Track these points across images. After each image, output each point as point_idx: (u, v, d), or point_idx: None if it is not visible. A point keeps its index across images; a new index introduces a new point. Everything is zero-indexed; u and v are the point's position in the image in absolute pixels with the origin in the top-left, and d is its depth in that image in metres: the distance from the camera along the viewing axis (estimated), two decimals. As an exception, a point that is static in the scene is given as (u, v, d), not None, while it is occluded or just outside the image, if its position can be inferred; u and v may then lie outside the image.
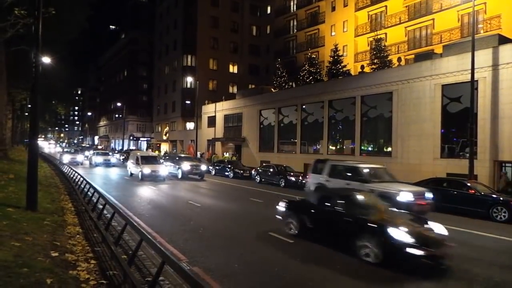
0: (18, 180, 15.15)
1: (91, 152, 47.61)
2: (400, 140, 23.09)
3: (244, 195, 19.32)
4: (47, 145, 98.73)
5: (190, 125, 54.85)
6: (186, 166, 25.67)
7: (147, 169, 23.50)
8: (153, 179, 23.63)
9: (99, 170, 32.02)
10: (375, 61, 33.00)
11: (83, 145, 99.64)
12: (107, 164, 36.12)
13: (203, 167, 26.93)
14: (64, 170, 24.45)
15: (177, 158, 28.10)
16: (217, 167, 30.87)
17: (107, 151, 49.88)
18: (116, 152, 55.02)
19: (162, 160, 28.23)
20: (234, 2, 57.62)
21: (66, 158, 35.74)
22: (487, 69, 18.96)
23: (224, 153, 40.66)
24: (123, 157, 44.18)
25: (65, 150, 42.55)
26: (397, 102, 23.43)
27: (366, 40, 39.56)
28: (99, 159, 36.45)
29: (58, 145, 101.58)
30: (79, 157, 38.32)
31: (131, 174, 26.07)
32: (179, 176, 25.85)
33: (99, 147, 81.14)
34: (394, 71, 24.87)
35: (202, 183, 24.27)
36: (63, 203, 13.25)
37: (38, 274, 5.50)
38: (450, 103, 20.88)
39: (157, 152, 44.21)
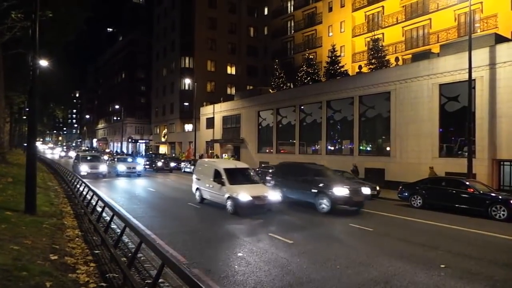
0: (16, 183, 15.13)
1: (105, 157, 39.53)
2: (398, 140, 23.12)
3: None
4: (48, 149, 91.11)
5: (188, 127, 54.84)
6: (340, 190, 14.12)
7: (244, 195, 13.12)
8: (256, 211, 13.36)
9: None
10: (373, 61, 33.06)
11: (83, 147, 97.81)
12: (132, 173, 28.42)
13: (366, 190, 16.07)
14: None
15: (305, 172, 16.17)
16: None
17: (129, 156, 39.52)
18: (136, 155, 47.47)
19: (270, 176, 18.72)
20: (231, 3, 57.69)
21: (84, 169, 25.80)
22: (484, 68, 19.02)
23: (223, 155, 40.65)
24: (147, 163, 37.25)
25: (81, 155, 29.58)
26: (395, 102, 23.46)
27: (363, 41, 39.63)
28: (122, 167, 28.60)
29: (62, 149, 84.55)
30: (102, 167, 27.35)
31: (202, 199, 15.79)
32: (324, 208, 14.17)
33: (107, 150, 75.94)
34: (392, 71, 24.91)
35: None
36: (61, 206, 13.22)
37: (37, 278, 5.49)
38: (448, 102, 20.93)
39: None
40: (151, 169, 35.56)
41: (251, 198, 13.10)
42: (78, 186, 16.75)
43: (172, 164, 36.18)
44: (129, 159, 32.55)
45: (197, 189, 16.24)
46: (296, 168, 17.50)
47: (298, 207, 15.12)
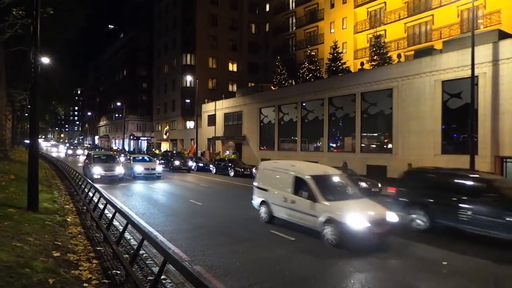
0: (19, 180, 15.15)
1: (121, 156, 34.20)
2: (400, 137, 23.06)
3: None
4: (51, 147, 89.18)
5: (190, 124, 54.84)
6: None
7: (358, 218, 8.72)
8: (372, 242, 8.88)
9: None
10: (375, 57, 32.91)
11: (86, 144, 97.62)
12: (150, 175, 24.39)
13: None
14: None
15: (478, 187, 10.12)
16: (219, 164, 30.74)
17: (147, 156, 32.41)
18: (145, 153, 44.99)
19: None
20: (233, 0, 57.53)
21: (98, 171, 21.91)
22: (487, 65, 18.91)
23: (226, 151, 40.68)
24: (162, 162, 33.27)
25: (94, 155, 25.27)
26: (397, 98, 23.39)
27: (365, 37, 39.47)
28: (140, 168, 24.62)
29: (67, 146, 74.48)
30: (118, 169, 23.09)
31: (272, 217, 11.25)
32: None
33: (114, 147, 73.08)
34: (394, 67, 24.81)
35: None
36: (64, 204, 13.25)
37: (40, 274, 5.50)
38: (450, 99, 20.84)
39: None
40: (167, 169, 32.00)
41: (368, 224, 8.64)
42: (81, 184, 16.78)
43: (190, 163, 33.40)
44: (146, 159, 28.57)
45: (263, 202, 11.63)
46: (454, 179, 10.91)
47: (459, 239, 9.87)
